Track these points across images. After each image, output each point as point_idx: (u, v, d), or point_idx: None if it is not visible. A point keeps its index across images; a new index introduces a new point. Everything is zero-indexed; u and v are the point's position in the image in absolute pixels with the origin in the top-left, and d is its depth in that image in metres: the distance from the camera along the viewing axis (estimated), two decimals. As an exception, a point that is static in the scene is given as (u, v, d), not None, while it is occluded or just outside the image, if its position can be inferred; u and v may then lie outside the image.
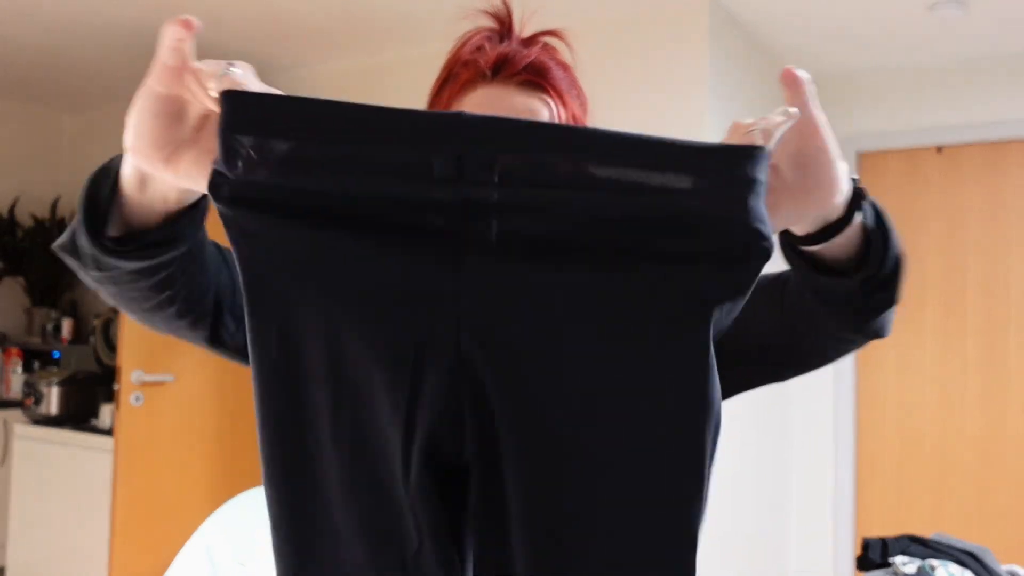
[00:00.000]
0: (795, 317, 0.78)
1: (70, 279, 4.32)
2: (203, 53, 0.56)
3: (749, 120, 0.61)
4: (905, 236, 0.70)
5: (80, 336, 4.12)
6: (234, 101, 0.54)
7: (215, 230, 0.64)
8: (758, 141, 0.58)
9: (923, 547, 1.92)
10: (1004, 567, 1.90)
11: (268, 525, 0.61)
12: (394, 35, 3.21)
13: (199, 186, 0.58)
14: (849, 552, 3.37)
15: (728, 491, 2.81)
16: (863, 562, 1.96)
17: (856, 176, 0.67)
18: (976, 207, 3.27)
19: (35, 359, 4.09)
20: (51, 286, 4.24)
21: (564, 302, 0.57)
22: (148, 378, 3.16)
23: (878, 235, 0.67)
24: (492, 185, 0.55)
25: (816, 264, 0.70)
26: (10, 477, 3.59)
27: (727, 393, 0.74)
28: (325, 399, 0.58)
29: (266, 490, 0.61)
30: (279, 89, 0.57)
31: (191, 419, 3.33)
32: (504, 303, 0.57)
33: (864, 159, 3.46)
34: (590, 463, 0.58)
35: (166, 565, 1.49)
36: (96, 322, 3.66)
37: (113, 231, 0.64)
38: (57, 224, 4.23)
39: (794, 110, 0.60)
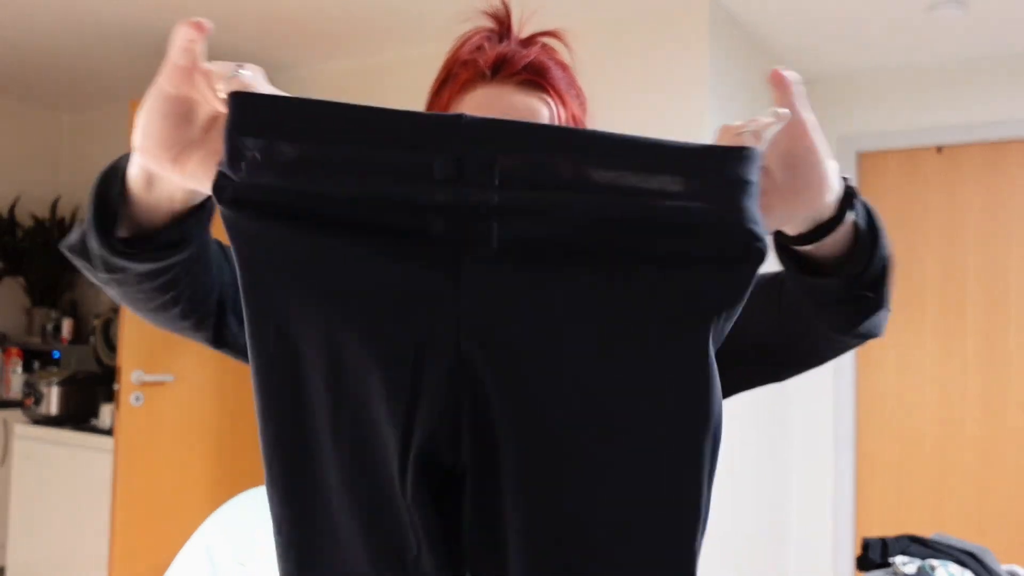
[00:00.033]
0: (790, 317, 0.78)
1: (70, 279, 4.32)
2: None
3: (739, 122, 0.62)
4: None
5: (80, 336, 4.12)
6: (241, 102, 0.55)
7: (215, 227, 0.64)
8: (748, 143, 0.58)
9: (923, 547, 1.92)
10: (1004, 567, 1.90)
11: (270, 525, 0.62)
12: (394, 35, 3.21)
13: (205, 187, 0.58)
14: (849, 552, 3.37)
15: (728, 491, 2.81)
16: (863, 562, 1.96)
17: (847, 176, 0.67)
18: (976, 207, 3.27)
19: (35, 359, 4.09)
20: (51, 286, 4.24)
21: (564, 303, 0.57)
22: (148, 378, 3.16)
23: (867, 235, 0.67)
24: (492, 187, 0.55)
25: (806, 265, 0.70)
26: (10, 477, 3.59)
27: (727, 393, 0.74)
28: (324, 400, 0.58)
29: (268, 490, 0.61)
30: (279, 89, 0.57)
31: (191, 419, 3.33)
32: (504, 304, 0.57)
33: (864, 159, 3.46)
34: (590, 463, 0.58)
35: (166, 565, 1.49)
36: (96, 322, 3.66)
37: (123, 232, 0.64)
38: (57, 224, 4.23)
39: (783, 111, 0.61)
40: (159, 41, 3.28)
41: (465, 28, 0.89)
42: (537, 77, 0.84)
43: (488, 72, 0.84)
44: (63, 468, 3.35)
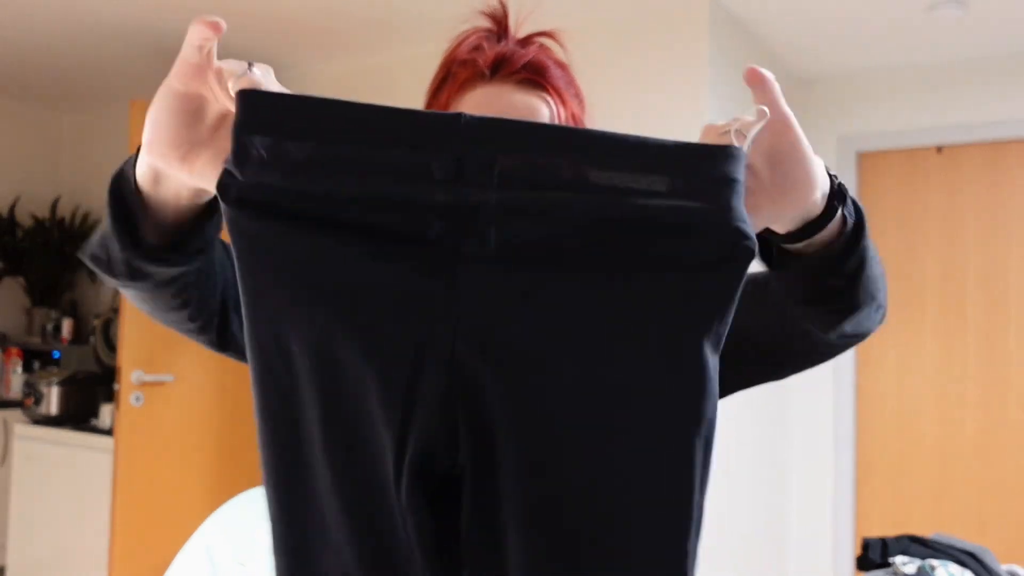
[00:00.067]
0: (778, 318, 0.78)
1: (70, 279, 4.32)
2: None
3: (722, 122, 0.62)
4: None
5: (80, 336, 4.12)
6: (250, 100, 0.55)
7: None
8: (733, 142, 0.58)
9: (923, 547, 1.92)
10: (1004, 567, 1.90)
11: (269, 525, 0.61)
12: (394, 35, 3.21)
13: (212, 186, 0.58)
14: (849, 552, 3.37)
15: (727, 491, 2.81)
16: (863, 562, 1.96)
17: (833, 172, 0.67)
18: (976, 207, 3.27)
19: (35, 359, 4.09)
20: (51, 286, 4.24)
21: (563, 303, 0.57)
22: (148, 378, 3.16)
23: (851, 232, 0.67)
24: (492, 187, 0.55)
25: (787, 264, 0.70)
26: (10, 477, 3.59)
27: (725, 392, 0.74)
28: (320, 400, 0.58)
29: (265, 491, 0.61)
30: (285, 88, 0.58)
31: (191, 419, 3.33)
32: (503, 304, 0.57)
33: (864, 159, 3.46)
34: (588, 463, 0.58)
35: (166, 565, 1.49)
36: (96, 322, 3.66)
37: (151, 239, 0.65)
38: (57, 224, 4.23)
39: (766, 108, 0.61)
40: (159, 41, 3.28)
41: (464, 28, 0.89)
42: (536, 76, 0.84)
43: (487, 71, 0.84)
44: (63, 468, 3.36)
